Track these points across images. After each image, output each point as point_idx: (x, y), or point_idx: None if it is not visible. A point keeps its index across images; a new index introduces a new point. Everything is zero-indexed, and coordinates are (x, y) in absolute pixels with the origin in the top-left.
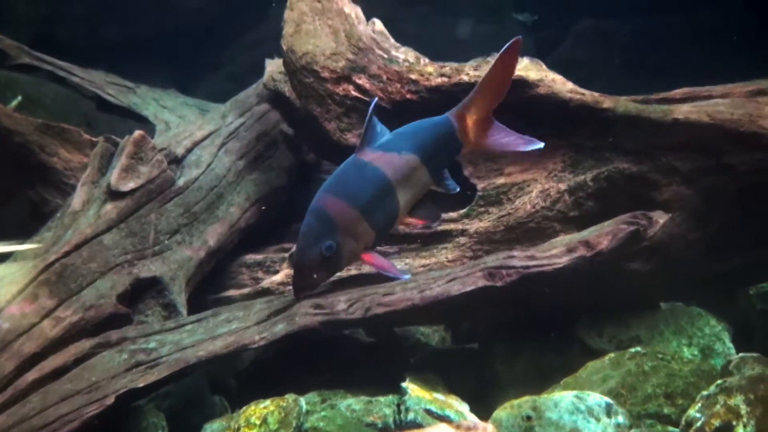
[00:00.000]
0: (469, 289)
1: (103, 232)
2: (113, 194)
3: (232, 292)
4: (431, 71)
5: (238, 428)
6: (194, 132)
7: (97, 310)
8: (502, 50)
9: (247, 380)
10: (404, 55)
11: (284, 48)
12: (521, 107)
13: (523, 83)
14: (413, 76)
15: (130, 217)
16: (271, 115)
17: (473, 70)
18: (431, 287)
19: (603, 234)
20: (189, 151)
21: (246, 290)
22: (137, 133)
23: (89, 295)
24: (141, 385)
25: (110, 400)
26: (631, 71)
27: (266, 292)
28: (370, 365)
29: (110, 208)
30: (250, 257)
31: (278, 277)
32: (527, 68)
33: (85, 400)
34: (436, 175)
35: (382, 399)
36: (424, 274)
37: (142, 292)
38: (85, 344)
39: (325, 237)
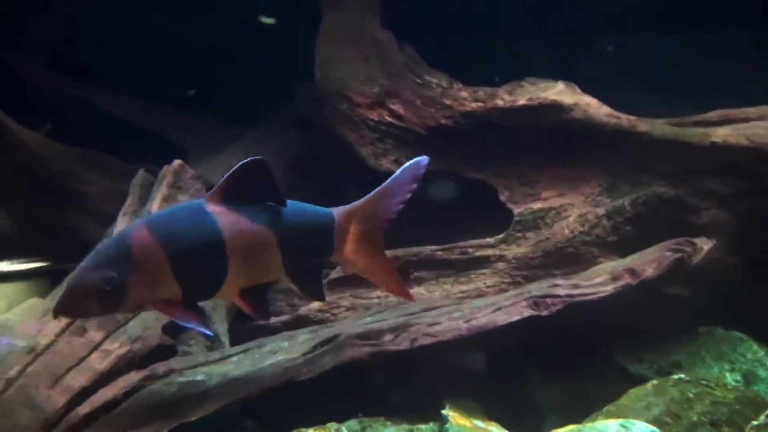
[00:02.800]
0: (514, 319)
1: None
2: None
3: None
4: (465, 96)
5: None
6: (229, 160)
7: (143, 342)
8: (404, 166)
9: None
10: (437, 79)
11: (317, 74)
12: (556, 132)
13: (558, 108)
14: (447, 101)
15: None
16: (303, 141)
17: (508, 95)
18: (476, 317)
19: (647, 261)
20: None
21: (284, 317)
22: (176, 162)
23: (135, 327)
24: (193, 418)
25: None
26: (650, 88)
27: (304, 319)
28: (403, 389)
29: None
30: (285, 284)
31: (315, 305)
32: (562, 92)
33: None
34: (289, 266)
35: (423, 427)
36: (468, 303)
37: None
38: (134, 377)
39: (112, 268)
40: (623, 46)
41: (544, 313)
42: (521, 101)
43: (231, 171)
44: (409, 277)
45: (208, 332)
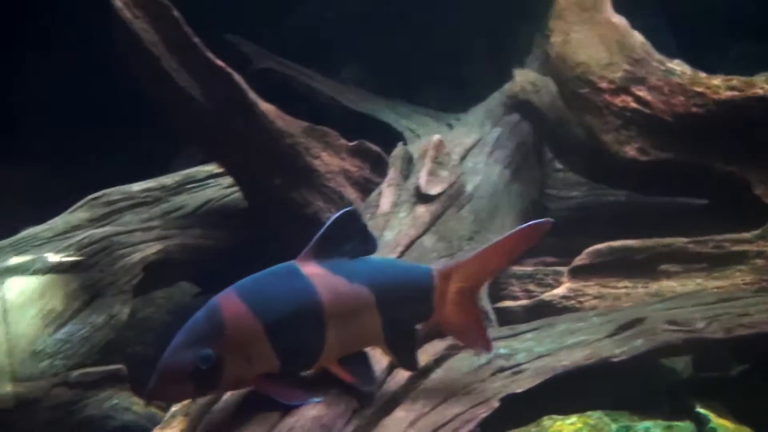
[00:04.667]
0: None
1: (421, 234)
2: (423, 197)
3: (508, 303)
4: (718, 84)
5: None
6: (463, 139)
7: None
8: (523, 226)
9: None
10: (679, 67)
11: (553, 57)
12: None
13: None
14: (698, 89)
15: (438, 221)
16: (523, 126)
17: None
18: None
19: None
20: (463, 158)
21: (523, 302)
22: (436, 137)
23: None
24: (519, 390)
25: (495, 404)
26: None
27: (548, 305)
28: (618, 384)
29: (423, 211)
30: (519, 269)
31: (559, 291)
32: None
33: (469, 401)
34: (389, 332)
35: (681, 424)
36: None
37: None
38: (439, 345)
39: (206, 344)
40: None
41: None
42: None
43: (324, 227)
44: None
45: (317, 400)
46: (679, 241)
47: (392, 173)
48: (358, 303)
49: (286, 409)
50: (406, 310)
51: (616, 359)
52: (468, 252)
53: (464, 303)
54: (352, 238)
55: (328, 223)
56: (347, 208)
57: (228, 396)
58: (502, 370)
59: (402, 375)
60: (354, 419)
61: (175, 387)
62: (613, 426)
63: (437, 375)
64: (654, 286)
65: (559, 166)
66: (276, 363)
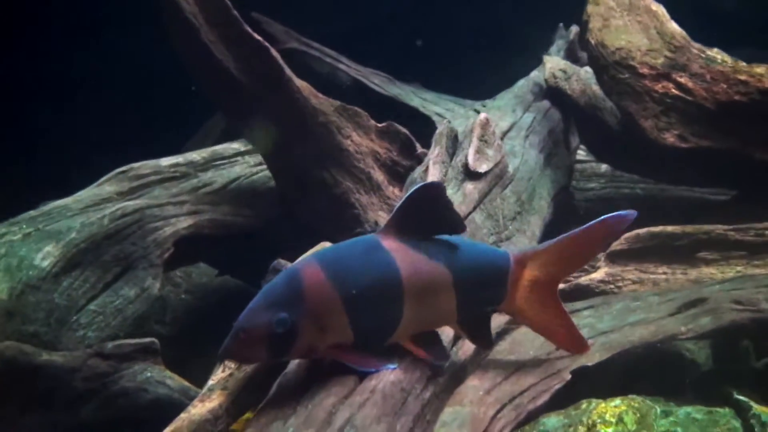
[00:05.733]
0: None
1: (471, 211)
2: (471, 174)
3: None
4: (762, 72)
5: (593, 425)
6: (498, 123)
7: None
8: (605, 216)
9: None
10: (719, 55)
11: (592, 42)
12: None
13: None
14: (742, 77)
15: (485, 199)
16: (553, 113)
17: None
18: None
19: None
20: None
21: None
22: (482, 116)
23: None
24: (590, 364)
25: (567, 376)
26: None
27: (584, 289)
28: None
29: (471, 188)
30: None
31: (597, 275)
32: None
33: (540, 373)
34: (464, 313)
35: (720, 410)
36: None
37: None
38: (501, 319)
39: (283, 308)
40: None
41: None
42: None
43: (405, 197)
44: None
45: (393, 366)
46: (719, 228)
47: (437, 150)
48: (436, 282)
49: (362, 375)
50: (481, 293)
51: (683, 336)
52: (547, 242)
53: (543, 296)
54: (435, 215)
55: (409, 194)
56: (432, 182)
57: (298, 361)
58: None
59: (469, 345)
60: (430, 386)
61: (249, 348)
62: (658, 409)
63: (503, 347)
64: (693, 273)
65: (577, 157)
66: (350, 335)
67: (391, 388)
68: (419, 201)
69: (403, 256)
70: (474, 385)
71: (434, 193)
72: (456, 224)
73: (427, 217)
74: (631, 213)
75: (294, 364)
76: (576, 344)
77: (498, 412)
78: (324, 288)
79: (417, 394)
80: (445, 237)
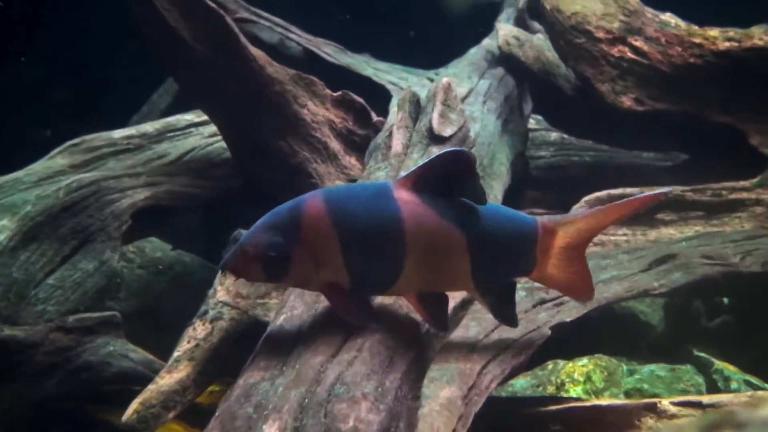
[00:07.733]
0: None
1: None
2: (436, 138)
3: None
4: (715, 35)
5: (562, 384)
6: (456, 89)
7: None
8: (648, 194)
9: None
10: (672, 19)
11: (548, 8)
12: None
13: None
14: (696, 40)
15: None
16: (508, 80)
17: (766, 35)
18: None
19: None
20: None
21: None
22: (444, 80)
23: None
24: (568, 320)
25: (547, 331)
26: None
27: None
28: (605, 338)
29: (436, 152)
30: None
31: None
32: None
33: (521, 329)
34: (479, 279)
35: (683, 367)
36: None
37: None
38: None
39: (280, 233)
40: None
41: None
42: None
43: (432, 158)
44: None
45: (378, 325)
46: (677, 189)
47: (401, 115)
48: (446, 242)
49: (348, 330)
50: (503, 261)
51: (656, 291)
52: (580, 211)
53: (571, 258)
54: (459, 182)
55: (438, 154)
56: (461, 149)
57: (288, 315)
58: (543, 302)
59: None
60: (414, 345)
61: (247, 265)
62: (625, 367)
63: (478, 306)
64: (653, 234)
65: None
66: (346, 277)
67: (378, 345)
68: (447, 164)
69: (413, 208)
70: (457, 343)
71: (464, 160)
72: (478, 198)
73: (451, 182)
74: (662, 192)
75: (275, 326)
76: (589, 293)
77: (483, 368)
78: (321, 222)
79: (402, 352)
80: (470, 202)
